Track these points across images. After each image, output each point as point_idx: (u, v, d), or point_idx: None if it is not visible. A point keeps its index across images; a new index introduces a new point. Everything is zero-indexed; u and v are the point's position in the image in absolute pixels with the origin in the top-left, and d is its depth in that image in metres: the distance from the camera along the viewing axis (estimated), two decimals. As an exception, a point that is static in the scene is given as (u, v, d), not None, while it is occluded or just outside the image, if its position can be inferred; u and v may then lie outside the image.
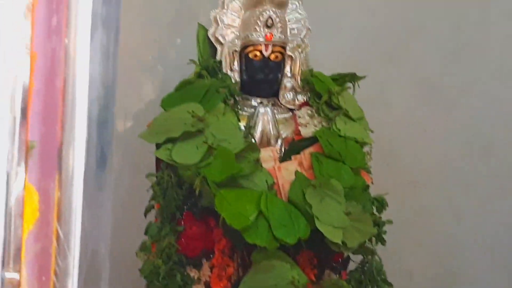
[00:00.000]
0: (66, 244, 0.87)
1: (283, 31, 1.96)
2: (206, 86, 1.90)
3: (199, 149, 1.78)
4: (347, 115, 1.95)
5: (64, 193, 0.87)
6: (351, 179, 1.86)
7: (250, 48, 1.95)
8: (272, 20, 1.93)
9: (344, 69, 2.06)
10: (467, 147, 2.67)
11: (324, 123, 1.95)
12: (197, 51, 2.00)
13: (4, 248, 0.88)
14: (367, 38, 2.58)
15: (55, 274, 0.88)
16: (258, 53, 1.95)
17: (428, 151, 2.64)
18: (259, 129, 1.92)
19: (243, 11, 2.00)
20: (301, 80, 2.00)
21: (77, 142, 0.87)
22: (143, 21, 2.31)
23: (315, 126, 1.95)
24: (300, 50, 2.03)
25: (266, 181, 1.80)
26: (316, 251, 1.86)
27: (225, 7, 2.00)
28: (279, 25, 1.94)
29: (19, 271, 0.88)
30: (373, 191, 1.94)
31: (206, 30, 2.01)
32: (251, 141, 1.87)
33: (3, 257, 0.88)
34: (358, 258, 1.95)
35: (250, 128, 1.91)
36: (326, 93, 1.96)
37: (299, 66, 2.00)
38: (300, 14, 2.05)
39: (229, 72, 1.96)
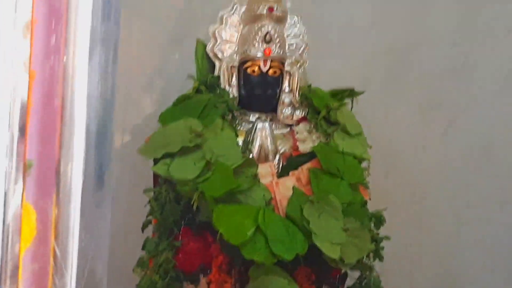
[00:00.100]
0: (63, 263, 0.87)
1: (282, 47, 1.97)
2: (204, 101, 1.90)
3: (197, 164, 1.78)
4: (345, 130, 1.95)
5: (61, 212, 0.87)
6: (349, 195, 1.86)
7: (249, 63, 1.95)
8: (270, 35, 1.93)
9: (344, 84, 2.06)
10: (466, 164, 2.67)
11: (322, 139, 1.96)
12: (195, 66, 2.01)
13: (1, 266, 0.88)
14: (366, 55, 2.58)
15: (52, 293, 0.88)
16: (256, 68, 1.95)
17: (427, 167, 2.64)
18: (257, 144, 1.92)
19: (241, 26, 2.01)
20: (299, 95, 2.00)
21: (75, 160, 0.87)
22: (141, 35, 2.31)
23: (313, 141, 1.95)
24: (298, 65, 2.03)
25: (264, 197, 1.80)
26: (314, 267, 1.85)
27: (224, 23, 2.01)
28: (277, 40, 1.95)
29: (16, 290, 0.88)
30: (372, 205, 1.94)
31: (205, 46, 2.01)
32: (249, 156, 1.88)
33: (0, 275, 0.88)
34: (356, 274, 1.94)
35: (248, 144, 1.91)
36: (324, 108, 1.96)
37: (298, 82, 2.00)
38: (298, 29, 2.06)
39: (227, 87, 1.96)
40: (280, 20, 1.98)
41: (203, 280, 1.86)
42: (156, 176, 1.91)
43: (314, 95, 1.99)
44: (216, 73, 1.99)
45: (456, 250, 2.66)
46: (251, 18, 1.96)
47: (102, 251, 0.94)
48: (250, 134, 1.93)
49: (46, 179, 0.88)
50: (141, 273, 1.89)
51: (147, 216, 1.91)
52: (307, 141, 1.96)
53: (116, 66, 0.90)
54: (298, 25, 2.06)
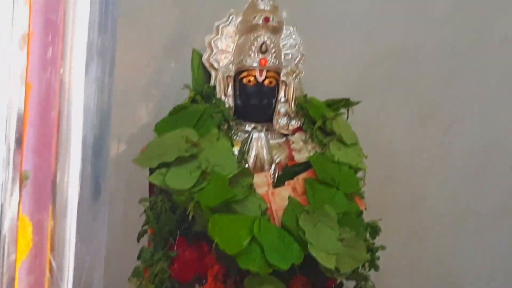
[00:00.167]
0: (60, 275, 0.87)
1: (278, 57, 1.97)
2: (200, 111, 1.90)
3: (192, 174, 1.78)
4: (341, 140, 1.95)
5: (57, 224, 0.87)
6: (345, 205, 1.86)
7: (244, 73, 1.95)
8: (266, 45, 1.94)
9: (339, 94, 2.07)
10: (463, 171, 2.68)
11: (318, 149, 1.96)
12: (191, 76, 2.01)
13: (-3, 278, 0.88)
14: (363, 63, 2.59)
15: (48, 305, 0.87)
16: (252, 78, 1.95)
17: (423, 176, 2.64)
18: (253, 154, 1.92)
19: (237, 37, 2.01)
20: (295, 105, 2.01)
21: (71, 172, 0.87)
22: (137, 45, 2.31)
23: (309, 151, 1.96)
24: (294, 75, 2.03)
25: (260, 206, 1.80)
26: (309, 277, 1.85)
27: (220, 33, 2.01)
28: (273, 50, 1.95)
29: (12, 302, 0.88)
30: (368, 215, 1.94)
31: (201, 55, 2.02)
32: (245, 166, 1.88)
33: (-4, 287, 0.88)
34: (351, 284, 1.94)
35: (244, 153, 1.91)
36: (320, 118, 1.97)
37: (293, 92, 2.00)
38: (294, 39, 2.07)
39: (223, 97, 1.97)
40: (276, 30, 1.98)
41: (198, 290, 1.86)
42: (151, 186, 1.91)
43: (310, 105, 2.00)
44: (212, 83, 1.99)
45: (454, 258, 2.66)
46: (247, 28, 1.97)
47: (98, 263, 0.94)
48: (246, 144, 1.93)
49: (42, 190, 0.88)
50: (137, 282, 1.88)
51: (142, 226, 1.91)
52: (302, 151, 1.96)
53: (113, 78, 0.90)
54: (294, 36, 2.07)
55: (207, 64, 2.01)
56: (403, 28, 2.61)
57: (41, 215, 0.88)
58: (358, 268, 1.87)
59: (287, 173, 1.93)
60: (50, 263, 0.87)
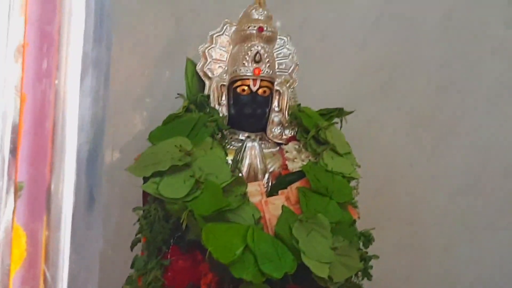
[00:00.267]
0: (54, 286, 0.87)
1: (271, 66, 1.98)
2: (194, 120, 1.90)
3: (186, 183, 1.78)
4: (334, 150, 1.96)
5: (52, 234, 0.87)
6: (338, 214, 1.86)
7: (238, 83, 1.96)
8: (260, 55, 1.94)
9: (333, 104, 2.07)
10: (454, 182, 2.69)
11: (311, 158, 1.96)
12: (185, 85, 2.01)
13: (-10, 289, 0.88)
14: (356, 73, 2.60)
15: (42, 316, 0.88)
16: (246, 88, 1.96)
17: (416, 185, 2.65)
18: (246, 163, 1.92)
19: (231, 46, 2.02)
20: (288, 115, 2.02)
21: (66, 183, 0.87)
22: (131, 54, 2.32)
23: (303, 160, 1.96)
24: (288, 85, 2.05)
25: (253, 215, 1.80)
26: (302, 286, 1.85)
27: (214, 42, 2.02)
28: (267, 60, 1.96)
29: (5, 312, 0.88)
30: (362, 224, 1.94)
31: (195, 65, 2.02)
32: (239, 175, 1.88)
33: (-10, 297, 0.88)
34: (344, 293, 1.94)
35: (237, 162, 1.91)
36: (313, 128, 1.97)
37: (287, 101, 2.02)
38: (288, 49, 2.08)
39: (217, 106, 1.97)
40: (270, 40, 1.99)
41: (192, 299, 1.85)
42: (145, 194, 1.90)
43: (304, 114, 2.00)
44: (206, 92, 2.00)
45: (448, 267, 2.67)
46: (241, 38, 1.98)
47: (93, 273, 0.94)
48: (239, 153, 1.93)
49: (37, 201, 0.88)
50: (130, 291, 1.88)
51: (136, 234, 1.91)
52: (296, 160, 1.96)
53: (108, 89, 0.91)
54: (287, 45, 2.08)
55: (201, 73, 2.02)
56: (396, 38, 2.63)
57: (36, 226, 0.88)
58: (351, 277, 1.87)
59: (280, 182, 1.93)
60: (44, 274, 0.87)
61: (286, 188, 1.90)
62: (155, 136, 1.90)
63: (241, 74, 1.96)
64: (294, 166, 1.96)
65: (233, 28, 2.02)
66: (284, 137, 2.02)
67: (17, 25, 0.86)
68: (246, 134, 1.99)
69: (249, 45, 1.96)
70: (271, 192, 1.92)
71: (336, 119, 2.05)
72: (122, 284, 1.92)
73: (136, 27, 2.35)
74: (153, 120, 2.17)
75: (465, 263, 2.68)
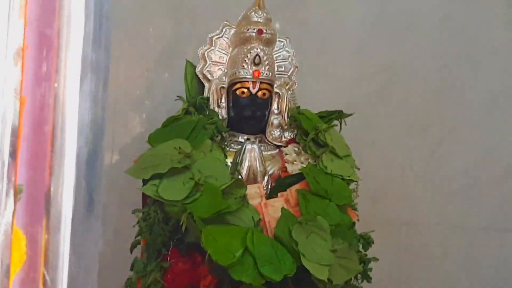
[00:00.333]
0: (53, 290, 0.87)
1: (271, 69, 1.98)
2: (193, 122, 1.91)
3: (185, 185, 1.78)
4: (334, 152, 1.96)
5: (51, 238, 0.87)
6: (337, 217, 1.86)
7: (238, 85, 1.96)
8: (259, 57, 1.94)
9: (332, 106, 2.07)
10: (453, 184, 2.69)
11: (311, 160, 1.96)
12: (185, 88, 2.02)
13: (-11, 292, 0.88)
14: (355, 77, 2.60)
15: (42, 320, 0.87)
16: (245, 90, 1.96)
17: (415, 187, 2.65)
18: (246, 165, 1.92)
19: (231, 49, 2.02)
20: (288, 117, 2.02)
21: (65, 186, 0.87)
22: (131, 56, 2.32)
23: (302, 163, 1.96)
24: (287, 87, 2.05)
25: (253, 218, 1.80)
26: (302, 288, 1.86)
27: (213, 44, 2.02)
28: (266, 62, 1.96)
29: (5, 316, 0.88)
30: (360, 228, 1.94)
31: (194, 67, 2.03)
32: (238, 177, 1.88)
33: (-11, 300, 0.88)
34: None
35: (237, 165, 1.91)
36: (313, 130, 1.97)
37: (287, 104, 2.02)
38: (288, 52, 2.08)
39: (216, 109, 1.98)
40: (269, 42, 1.99)
41: (191, 301, 1.85)
42: (145, 197, 1.90)
43: (303, 117, 2.00)
44: (205, 94, 2.00)
45: (445, 271, 2.67)
46: (241, 40, 1.98)
47: (92, 276, 0.94)
48: (239, 156, 1.93)
49: (36, 204, 0.88)
50: (130, 293, 1.88)
51: (135, 237, 1.91)
52: (295, 162, 1.96)
53: (107, 93, 0.91)
54: (287, 48, 2.08)
55: (200, 76, 2.02)
56: (396, 40, 2.63)
57: (35, 229, 0.88)
58: (351, 279, 1.87)
59: (280, 184, 1.93)
60: (44, 277, 0.87)
61: (285, 190, 1.90)
62: (154, 138, 1.90)
63: (241, 76, 1.96)
64: (293, 168, 1.95)
65: (233, 30, 2.02)
66: (283, 139, 2.03)
67: (17, 28, 0.86)
68: (246, 137, 1.99)
69: (248, 47, 1.96)
70: (271, 194, 1.92)
71: (336, 122, 2.06)
72: (121, 287, 1.91)
73: (135, 30, 2.35)
74: (152, 122, 2.16)
75: (464, 265, 2.68)
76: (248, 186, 1.86)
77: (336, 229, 1.84)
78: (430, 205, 2.66)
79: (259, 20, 1.98)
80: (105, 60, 0.91)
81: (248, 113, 1.97)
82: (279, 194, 1.90)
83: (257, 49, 1.95)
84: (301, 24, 2.53)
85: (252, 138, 1.99)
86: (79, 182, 0.87)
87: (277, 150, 2.01)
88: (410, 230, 2.65)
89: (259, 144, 1.97)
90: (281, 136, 2.02)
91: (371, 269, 1.92)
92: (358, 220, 1.95)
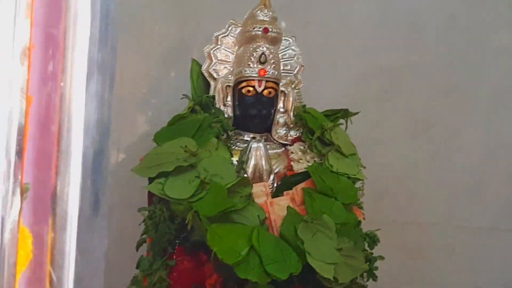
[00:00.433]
0: (59, 287, 0.88)
1: (276, 67, 1.98)
2: (199, 121, 1.91)
3: (191, 184, 1.78)
4: (339, 151, 1.96)
5: (57, 236, 0.88)
6: (343, 215, 1.86)
7: (244, 84, 1.96)
8: (265, 56, 1.95)
9: (338, 105, 2.07)
10: (458, 184, 2.68)
11: (316, 159, 1.96)
12: (190, 86, 2.02)
13: (-3, 290, 0.88)
14: (361, 76, 2.60)
15: (48, 317, 0.88)
16: (251, 89, 1.96)
17: (420, 187, 2.65)
18: (251, 164, 1.92)
19: (236, 47, 2.03)
20: (294, 115, 2.02)
21: (71, 185, 0.88)
22: (136, 55, 2.32)
23: (308, 161, 1.96)
24: (293, 86, 2.05)
25: (258, 216, 1.80)
26: (307, 287, 1.85)
27: (219, 43, 2.03)
28: (272, 61, 1.96)
29: (11, 314, 0.88)
30: (364, 227, 1.94)
31: (200, 65, 2.03)
32: (244, 176, 1.88)
33: (-4, 298, 0.88)
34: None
35: (242, 163, 1.91)
36: (318, 129, 1.97)
37: (292, 102, 2.02)
38: (293, 50, 2.08)
39: (222, 107, 1.98)
40: (275, 41, 1.99)
41: (197, 299, 1.86)
42: (150, 195, 1.90)
43: (309, 115, 2.00)
44: (211, 92, 2.01)
45: (450, 271, 2.66)
46: (246, 39, 1.98)
47: (98, 274, 0.95)
48: (244, 154, 1.93)
49: (42, 203, 0.89)
50: (135, 291, 1.89)
51: (141, 235, 1.91)
52: (301, 161, 1.96)
53: (113, 92, 0.91)
54: (292, 46, 2.08)
55: (206, 74, 2.02)
56: (401, 41, 2.63)
57: (41, 227, 0.88)
58: (356, 278, 1.87)
59: (285, 183, 1.94)
60: (50, 275, 0.88)
61: (291, 189, 1.90)
62: (160, 137, 1.90)
63: (246, 75, 1.96)
64: (299, 167, 1.96)
65: (238, 29, 2.03)
66: (289, 138, 2.03)
67: (23, 27, 0.87)
68: (251, 135, 1.99)
69: (254, 46, 1.96)
70: (276, 193, 1.92)
71: (341, 120, 2.06)
72: (127, 285, 1.92)
73: (140, 29, 2.35)
74: (158, 121, 2.16)
75: (469, 265, 2.68)
76: (254, 185, 1.86)
77: (342, 228, 1.83)
78: (435, 205, 2.66)
79: (265, 19, 1.98)
80: (111, 59, 0.91)
81: (254, 111, 1.97)
82: (284, 192, 1.90)
83: (263, 47, 1.95)
84: (306, 24, 2.52)
85: (258, 136, 1.99)
86: (85, 181, 0.88)
87: (283, 148, 2.02)
88: (416, 230, 2.64)
89: (265, 143, 1.97)
90: (287, 134, 2.03)
91: (377, 268, 1.92)
92: (364, 218, 1.95)
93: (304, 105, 2.05)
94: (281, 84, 2.01)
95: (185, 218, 1.75)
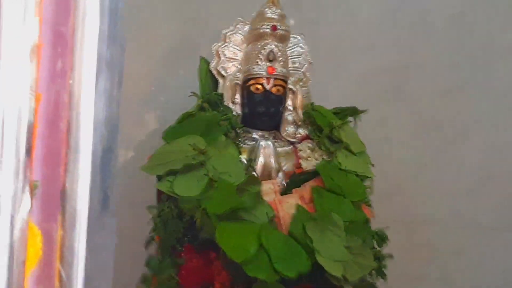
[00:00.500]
0: (69, 285, 0.88)
1: (285, 65, 1.98)
2: (207, 118, 1.91)
3: (200, 182, 1.78)
4: (348, 149, 1.96)
5: (67, 234, 0.88)
6: (352, 213, 1.86)
7: (252, 81, 1.96)
8: (274, 53, 1.94)
9: (346, 103, 2.07)
10: (466, 182, 2.68)
11: (325, 157, 1.96)
12: (199, 84, 2.02)
13: (6, 288, 0.88)
14: (368, 75, 2.60)
15: (58, 315, 0.88)
16: (259, 86, 1.96)
17: (427, 186, 2.65)
18: (260, 162, 1.92)
19: (245, 45, 2.02)
20: (302, 113, 2.01)
21: (81, 182, 0.88)
22: (145, 52, 2.32)
23: (316, 159, 1.96)
24: (301, 83, 2.05)
25: (267, 214, 1.80)
26: (316, 285, 1.85)
27: (227, 41, 2.02)
28: (280, 58, 1.96)
29: (21, 312, 0.88)
30: (373, 226, 1.94)
31: (208, 63, 2.03)
32: (252, 174, 1.88)
33: (5, 297, 0.88)
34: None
35: (251, 161, 1.91)
36: (327, 126, 1.97)
37: (301, 100, 2.02)
38: (302, 48, 2.08)
39: (230, 105, 1.98)
40: (283, 39, 1.99)
41: (205, 298, 1.86)
42: (159, 193, 1.91)
43: (317, 113, 2.00)
44: (219, 90, 2.01)
45: (458, 268, 2.66)
46: (255, 37, 1.98)
47: (107, 272, 0.95)
48: (253, 152, 1.93)
49: (52, 200, 0.89)
50: (145, 290, 1.89)
51: (150, 233, 1.91)
52: (310, 159, 1.96)
53: (122, 90, 0.91)
54: (301, 44, 2.08)
55: (214, 72, 2.02)
56: (408, 40, 2.62)
57: (50, 225, 0.88)
58: (365, 276, 1.86)
59: (294, 181, 1.93)
60: (60, 273, 0.88)
61: (299, 186, 1.90)
62: (168, 135, 1.90)
63: (255, 72, 1.96)
64: (308, 164, 1.96)
65: (246, 27, 2.02)
66: (297, 135, 2.02)
67: (32, 26, 0.86)
68: (260, 133, 1.99)
69: (262, 43, 1.96)
70: (285, 191, 1.92)
71: (350, 118, 2.05)
72: (136, 282, 1.92)
73: (149, 26, 2.35)
74: (166, 118, 2.17)
75: (477, 263, 2.67)
76: (263, 183, 1.86)
77: (350, 226, 1.83)
78: (443, 203, 2.65)
79: (273, 17, 1.98)
80: (120, 57, 0.91)
81: (262, 109, 1.97)
82: (293, 190, 1.90)
83: (271, 45, 1.95)
84: (314, 23, 2.52)
85: (266, 134, 1.99)
86: (94, 179, 0.88)
87: (291, 146, 2.01)
88: (424, 228, 2.64)
89: (273, 141, 1.97)
90: (295, 132, 2.02)
91: (386, 266, 1.92)
92: (373, 216, 1.95)
93: (313, 103, 2.05)
94: (289, 81, 2.01)
95: (193, 216, 1.76)
